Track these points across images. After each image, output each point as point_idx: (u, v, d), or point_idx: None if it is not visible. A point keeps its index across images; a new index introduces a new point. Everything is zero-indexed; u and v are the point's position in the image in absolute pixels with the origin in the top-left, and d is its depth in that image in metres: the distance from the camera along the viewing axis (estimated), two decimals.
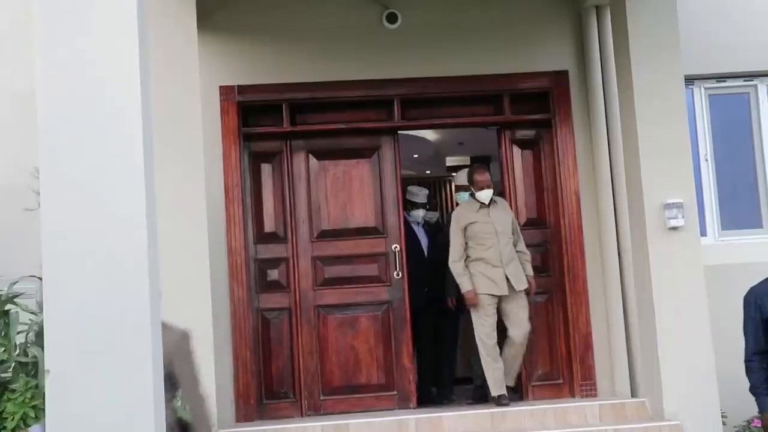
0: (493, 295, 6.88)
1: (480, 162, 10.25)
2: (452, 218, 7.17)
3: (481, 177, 7.10)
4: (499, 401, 6.72)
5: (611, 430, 6.21)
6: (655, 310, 6.35)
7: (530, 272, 7.06)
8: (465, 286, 6.93)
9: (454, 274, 6.99)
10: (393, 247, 7.24)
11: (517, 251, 7.03)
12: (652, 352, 6.40)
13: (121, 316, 4.21)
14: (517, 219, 7.26)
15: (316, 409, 7.03)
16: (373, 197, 7.32)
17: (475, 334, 6.91)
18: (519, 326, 6.87)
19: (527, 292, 6.99)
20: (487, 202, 7.03)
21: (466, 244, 7.00)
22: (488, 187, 7.06)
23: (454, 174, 7.75)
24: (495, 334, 6.88)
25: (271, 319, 7.15)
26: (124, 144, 4.32)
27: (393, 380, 7.11)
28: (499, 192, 8.20)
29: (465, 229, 7.00)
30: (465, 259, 6.99)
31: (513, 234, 7.04)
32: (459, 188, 7.62)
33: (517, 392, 7.43)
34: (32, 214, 5.44)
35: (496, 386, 6.79)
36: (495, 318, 6.90)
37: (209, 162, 6.62)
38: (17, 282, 5.45)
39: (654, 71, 6.49)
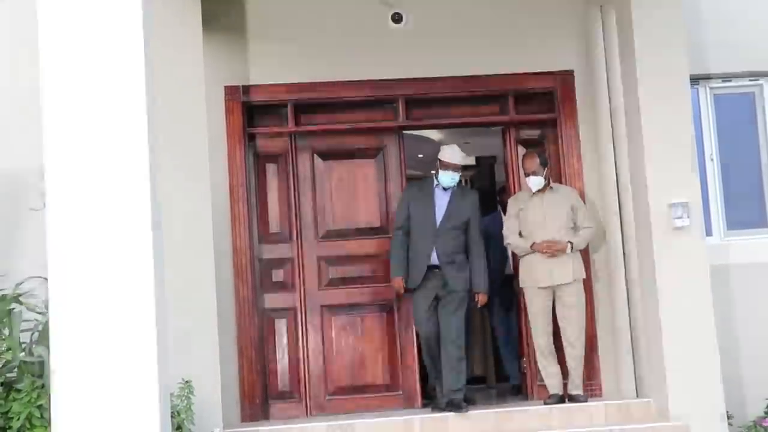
0: (538, 287, 6.73)
1: (486, 161, 10.26)
2: (509, 202, 7.08)
3: (527, 163, 6.87)
4: (547, 400, 6.66)
5: (617, 430, 6.20)
6: (661, 310, 6.34)
7: (575, 242, 6.71)
8: (525, 249, 6.77)
9: (515, 250, 6.95)
10: None
11: (582, 228, 6.79)
12: (658, 352, 6.39)
13: (126, 316, 4.22)
14: None
15: (322, 409, 7.03)
16: (378, 197, 7.31)
17: None
18: (567, 324, 6.71)
19: (555, 248, 6.64)
20: (533, 190, 6.84)
21: (521, 232, 6.84)
22: (533, 173, 6.79)
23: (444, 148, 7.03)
24: (545, 331, 6.73)
25: (276, 319, 7.15)
26: (129, 144, 4.33)
27: (398, 380, 7.11)
28: (501, 189, 8.19)
29: (518, 215, 6.86)
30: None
31: (572, 222, 6.79)
32: (446, 166, 6.85)
33: (521, 392, 7.44)
34: (36, 213, 5.45)
35: (551, 386, 6.73)
36: (546, 314, 6.73)
37: (214, 162, 6.63)
38: (23, 282, 5.47)
39: (659, 70, 6.49)
